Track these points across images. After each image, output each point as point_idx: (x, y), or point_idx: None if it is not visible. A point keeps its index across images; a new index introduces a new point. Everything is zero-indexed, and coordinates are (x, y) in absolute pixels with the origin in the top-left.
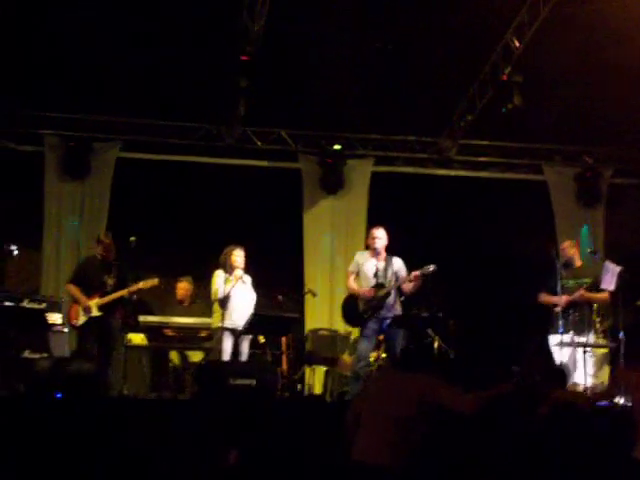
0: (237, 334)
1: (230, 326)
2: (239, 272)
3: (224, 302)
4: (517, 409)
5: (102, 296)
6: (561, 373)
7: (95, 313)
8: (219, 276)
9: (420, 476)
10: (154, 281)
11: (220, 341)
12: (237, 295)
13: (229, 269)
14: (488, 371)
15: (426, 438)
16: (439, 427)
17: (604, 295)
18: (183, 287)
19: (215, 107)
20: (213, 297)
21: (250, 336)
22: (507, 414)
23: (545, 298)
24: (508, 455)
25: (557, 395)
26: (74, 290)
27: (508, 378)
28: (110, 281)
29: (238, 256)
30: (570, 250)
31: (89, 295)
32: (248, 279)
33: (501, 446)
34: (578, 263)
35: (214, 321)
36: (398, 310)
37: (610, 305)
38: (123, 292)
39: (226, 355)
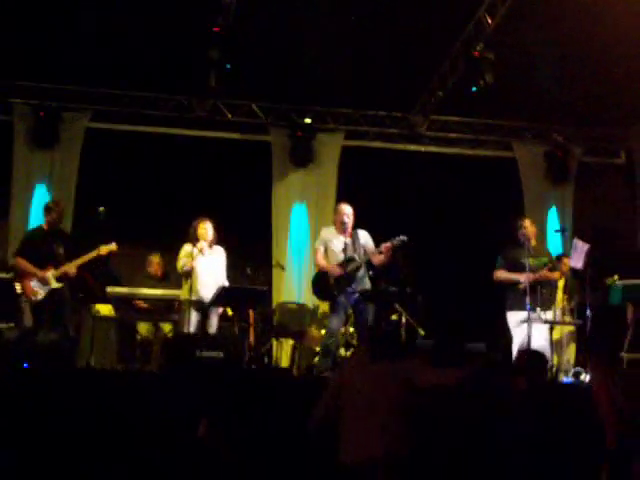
0: (204, 307)
1: (195, 298)
2: (202, 244)
3: (188, 275)
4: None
5: (57, 267)
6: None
7: (54, 285)
8: (184, 249)
9: (424, 460)
10: (112, 247)
11: (185, 313)
12: (203, 268)
13: (196, 242)
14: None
15: (420, 423)
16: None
17: (556, 274)
18: (155, 262)
19: (186, 79)
20: (178, 270)
21: (219, 309)
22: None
23: (503, 275)
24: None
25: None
26: (24, 263)
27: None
28: (60, 250)
29: (204, 228)
30: (531, 228)
31: (41, 267)
32: (219, 251)
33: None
34: (533, 242)
35: (182, 293)
36: (367, 285)
37: (577, 283)
38: (81, 260)
39: (191, 327)
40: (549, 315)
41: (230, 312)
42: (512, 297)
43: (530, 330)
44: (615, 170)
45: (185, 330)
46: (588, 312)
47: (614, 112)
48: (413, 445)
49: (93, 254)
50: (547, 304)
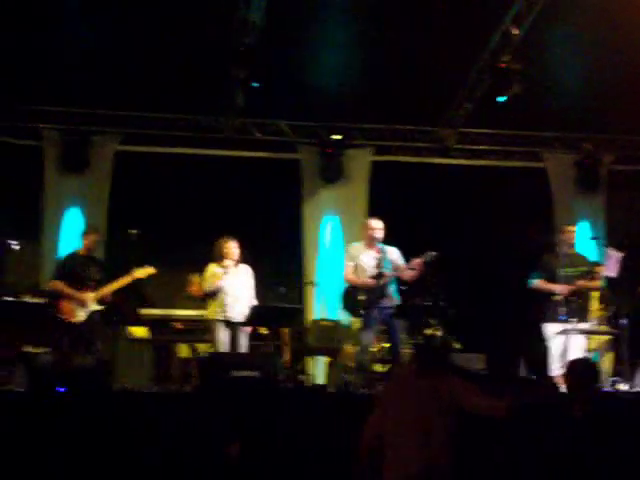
0: (233, 326)
1: (223, 318)
2: (228, 262)
3: (214, 294)
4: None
5: (95, 290)
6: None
7: (93, 307)
8: (209, 269)
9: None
10: (149, 270)
11: (214, 333)
12: (230, 287)
13: (221, 261)
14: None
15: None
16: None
17: (597, 283)
18: (196, 282)
19: (214, 99)
20: (205, 290)
21: (248, 328)
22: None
23: (542, 285)
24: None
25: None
26: (61, 286)
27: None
28: (97, 275)
29: (228, 247)
30: (574, 235)
31: (78, 291)
32: (246, 269)
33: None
34: (573, 250)
35: (209, 313)
36: (397, 300)
37: (612, 292)
38: (118, 283)
39: (222, 347)
40: (585, 325)
41: (263, 331)
42: (548, 308)
43: (568, 342)
44: None
45: (217, 350)
46: (624, 321)
47: None
48: (453, 461)
49: (129, 278)
50: (582, 314)
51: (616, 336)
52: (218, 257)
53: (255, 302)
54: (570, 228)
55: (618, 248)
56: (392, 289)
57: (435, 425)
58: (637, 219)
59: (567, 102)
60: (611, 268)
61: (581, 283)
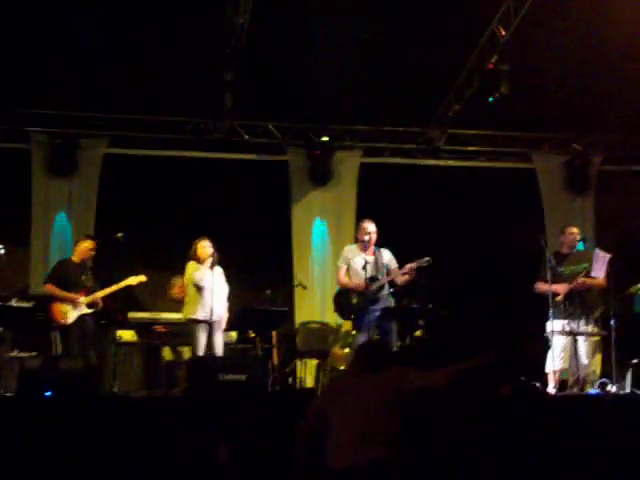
0: (211, 326)
1: (202, 318)
2: (205, 262)
3: (200, 289)
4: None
5: (87, 294)
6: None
7: (85, 310)
8: (191, 266)
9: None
10: (141, 278)
11: (194, 334)
12: (208, 286)
13: (196, 262)
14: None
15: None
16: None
17: (602, 280)
18: (178, 284)
19: (202, 101)
20: (189, 287)
21: (223, 328)
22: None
23: (544, 287)
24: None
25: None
26: (54, 289)
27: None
28: (89, 282)
29: (203, 247)
30: (576, 236)
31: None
32: (219, 271)
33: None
34: (573, 251)
35: (185, 313)
36: (390, 303)
37: (601, 293)
38: (110, 289)
39: (200, 348)
40: (578, 326)
41: (252, 334)
42: (551, 307)
43: (576, 343)
44: (635, 177)
45: (196, 351)
46: (612, 322)
47: (633, 118)
48: (400, 451)
49: (122, 285)
50: (576, 314)
51: (606, 337)
52: (193, 258)
53: (228, 303)
54: (572, 229)
55: (607, 249)
56: (385, 292)
57: (377, 419)
58: (626, 220)
59: (556, 102)
60: (599, 269)
61: (583, 280)
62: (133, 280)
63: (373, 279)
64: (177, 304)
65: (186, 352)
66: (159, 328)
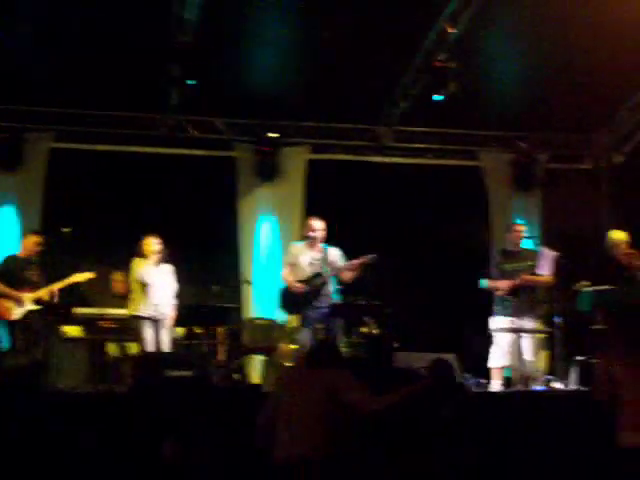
0: (157, 323)
1: (149, 315)
2: (152, 259)
3: (145, 286)
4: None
5: (33, 290)
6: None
7: (30, 307)
8: (136, 262)
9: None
10: (88, 274)
11: (140, 331)
12: (155, 283)
13: (143, 258)
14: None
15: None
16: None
17: (547, 278)
18: (119, 280)
19: (149, 96)
20: (134, 284)
21: (169, 324)
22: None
23: (490, 284)
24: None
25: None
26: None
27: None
28: (35, 277)
29: (150, 244)
30: (521, 234)
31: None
32: (168, 268)
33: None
34: (519, 247)
35: (130, 310)
36: (336, 299)
37: (546, 290)
38: (56, 286)
39: (147, 345)
40: (523, 323)
41: (198, 330)
42: (495, 304)
43: (519, 340)
44: (581, 175)
45: (142, 348)
46: (558, 319)
47: (578, 117)
48: (331, 451)
49: (68, 282)
50: (521, 311)
51: (551, 334)
52: (140, 254)
53: (175, 301)
54: (518, 227)
55: (553, 247)
56: (331, 289)
57: (315, 414)
58: (572, 218)
59: (503, 101)
60: (545, 266)
61: (527, 277)
62: (80, 277)
63: (317, 275)
64: (123, 300)
65: (132, 348)
66: (105, 323)
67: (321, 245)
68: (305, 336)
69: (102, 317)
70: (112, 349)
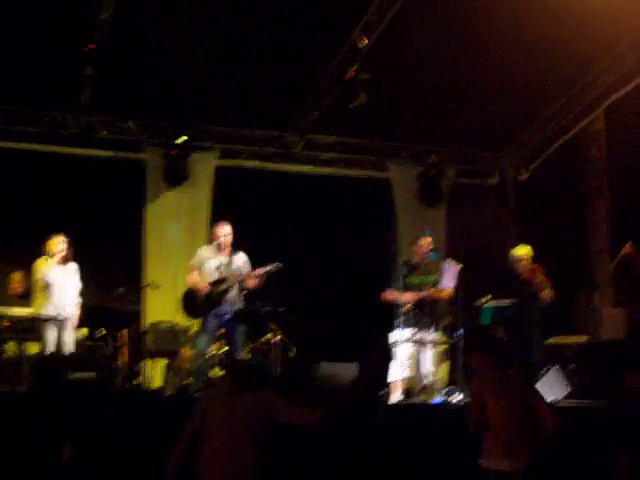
0: (61, 323)
1: (51, 315)
2: (55, 258)
3: (45, 287)
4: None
5: None
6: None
7: None
8: (41, 262)
9: None
10: None
11: (41, 331)
12: (60, 283)
13: (49, 257)
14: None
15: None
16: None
17: (449, 292)
18: (16, 279)
19: (60, 94)
20: (37, 283)
21: (72, 324)
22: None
23: (392, 296)
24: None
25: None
26: None
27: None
28: None
29: (55, 244)
30: (428, 247)
31: None
32: (73, 268)
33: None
34: (424, 261)
35: (33, 309)
36: (240, 305)
37: (449, 303)
38: None
39: (48, 345)
40: (434, 335)
41: (102, 332)
42: (397, 316)
43: (419, 351)
44: (487, 191)
45: (44, 348)
46: (460, 331)
47: (487, 134)
48: (268, 476)
49: None
50: (424, 323)
51: (452, 346)
52: (44, 253)
53: (79, 300)
54: (423, 240)
55: (457, 260)
56: (234, 294)
57: (243, 437)
58: (476, 231)
59: (415, 113)
60: (449, 279)
61: (431, 291)
62: None
63: (221, 280)
64: (18, 299)
65: (32, 348)
66: (4, 322)
67: (230, 250)
68: (203, 341)
69: (2, 316)
70: (11, 348)
